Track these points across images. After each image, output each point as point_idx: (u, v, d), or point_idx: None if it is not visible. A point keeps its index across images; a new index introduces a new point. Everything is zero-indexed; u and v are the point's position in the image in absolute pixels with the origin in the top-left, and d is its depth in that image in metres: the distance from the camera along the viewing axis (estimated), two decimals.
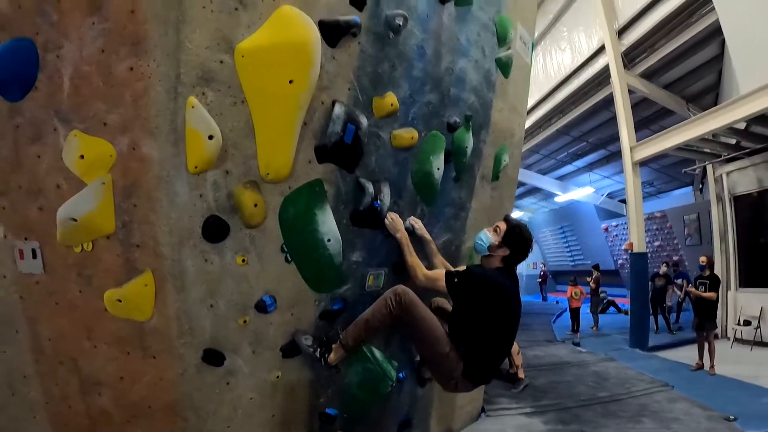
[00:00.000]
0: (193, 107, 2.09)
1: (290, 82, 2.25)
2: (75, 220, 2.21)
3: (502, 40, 3.81)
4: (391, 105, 2.82)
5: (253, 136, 2.27)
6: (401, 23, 2.72)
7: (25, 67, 2.30)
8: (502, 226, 2.98)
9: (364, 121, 2.65)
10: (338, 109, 2.52)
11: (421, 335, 2.84)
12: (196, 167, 2.15)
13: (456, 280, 2.82)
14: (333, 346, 2.77)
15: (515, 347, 6.95)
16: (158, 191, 2.14)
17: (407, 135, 2.97)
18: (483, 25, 3.59)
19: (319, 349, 2.73)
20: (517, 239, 2.96)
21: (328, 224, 2.61)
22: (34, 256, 2.43)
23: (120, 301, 2.26)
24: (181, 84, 2.08)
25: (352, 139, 2.56)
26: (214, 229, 2.26)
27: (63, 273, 2.38)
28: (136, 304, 2.26)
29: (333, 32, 2.44)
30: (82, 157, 2.20)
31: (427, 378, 3.55)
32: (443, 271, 2.93)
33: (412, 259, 2.97)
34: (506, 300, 2.89)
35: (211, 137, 2.12)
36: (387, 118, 2.85)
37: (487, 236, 2.97)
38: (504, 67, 3.86)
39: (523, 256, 3.01)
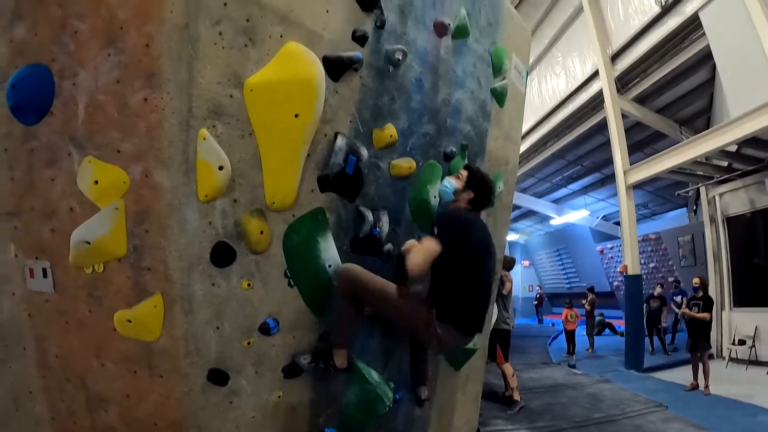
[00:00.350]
0: (204, 139, 2.20)
1: (296, 116, 2.39)
2: (88, 243, 2.29)
3: (497, 70, 3.97)
4: (390, 136, 2.96)
5: (259, 167, 2.39)
6: (401, 58, 2.88)
7: (41, 93, 2.39)
8: (464, 172, 3.12)
9: (364, 152, 2.78)
10: (340, 142, 2.65)
11: (377, 297, 2.85)
12: (206, 196, 2.25)
13: (435, 229, 2.88)
14: (333, 351, 2.85)
15: (510, 369, 7.02)
16: (170, 218, 2.23)
17: (405, 165, 3.11)
18: (479, 56, 3.75)
19: (321, 362, 2.82)
20: (480, 182, 3.10)
21: (329, 251, 2.72)
22: (45, 276, 2.50)
23: (130, 321, 2.34)
24: (193, 117, 2.19)
25: (353, 170, 2.69)
26: (222, 255, 2.36)
27: (73, 292, 2.46)
28: (145, 325, 2.33)
29: (336, 68, 2.59)
30: (96, 182, 2.29)
31: (424, 399, 3.63)
32: (429, 245, 2.86)
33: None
34: (482, 236, 3.03)
35: (221, 168, 2.24)
36: (386, 148, 3.00)
37: (451, 183, 3.09)
38: (499, 96, 4.01)
39: (487, 199, 3.15)
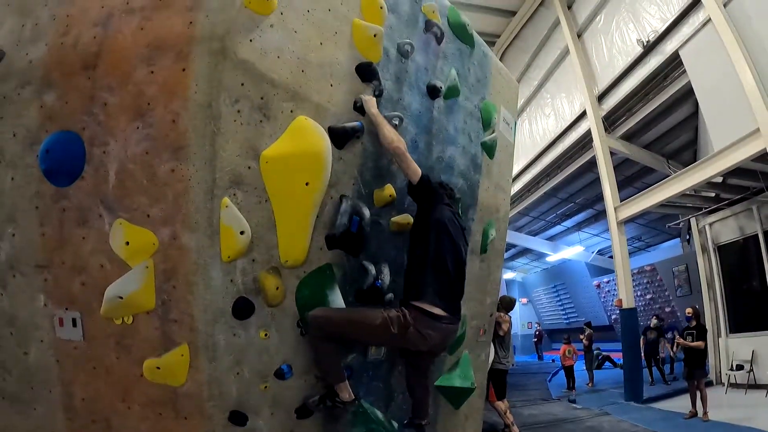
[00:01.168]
0: (226, 207, 2.46)
1: (306, 184, 2.68)
2: (121, 298, 2.47)
3: (487, 124, 4.29)
4: (390, 196, 3.27)
5: (275, 230, 2.66)
6: (398, 123, 3.22)
7: (73, 159, 2.60)
8: None
9: (366, 212, 3.07)
10: (345, 204, 2.95)
11: (357, 329, 2.93)
12: (229, 257, 2.49)
13: (425, 184, 3.14)
14: (335, 387, 2.97)
15: (502, 405, 7.14)
16: (195, 276, 2.44)
17: (403, 221, 3.41)
18: (469, 112, 4.08)
19: (328, 401, 2.97)
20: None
21: (337, 302, 2.96)
22: (74, 325, 2.67)
23: (158, 368, 2.52)
24: (216, 186, 2.43)
25: (357, 229, 2.98)
26: (242, 309, 2.58)
27: (102, 341, 2.62)
28: (172, 372, 2.51)
29: (341, 137, 2.91)
30: (127, 243, 2.48)
31: (424, 424, 3.75)
32: (419, 169, 3.13)
33: (390, 129, 3.11)
34: (448, 212, 3.21)
35: (242, 233, 2.49)
36: (386, 206, 3.30)
37: None
38: (489, 149, 4.33)
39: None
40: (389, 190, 3.29)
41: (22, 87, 2.79)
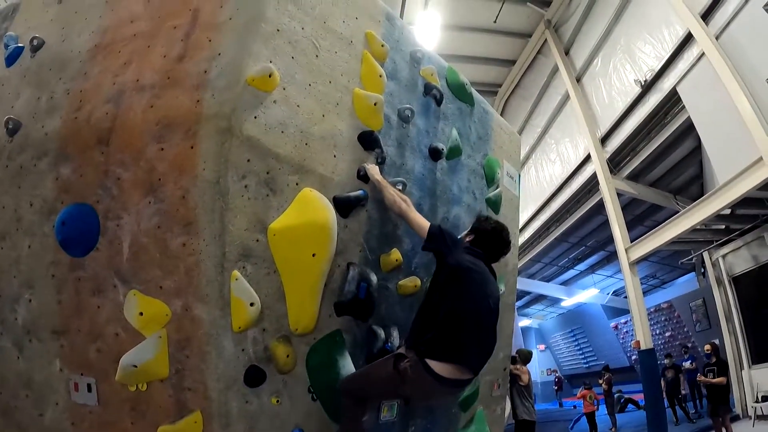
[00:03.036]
0: (236, 279, 2.51)
1: (313, 255, 2.74)
2: (135, 366, 2.51)
3: (491, 180, 4.37)
4: (396, 260, 3.32)
5: (284, 299, 2.70)
6: (401, 188, 3.29)
7: (87, 231, 2.70)
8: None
9: (374, 278, 3.11)
10: (352, 272, 3.00)
11: (378, 384, 2.91)
12: (239, 328, 2.53)
13: (435, 235, 3.04)
14: None
15: None
16: (208, 346, 2.48)
17: (411, 284, 3.45)
18: (472, 170, 4.16)
19: None
20: (477, 225, 3.31)
21: (347, 367, 2.97)
22: (89, 390, 2.71)
23: None
24: (226, 260, 2.49)
25: (365, 295, 3.01)
26: (254, 377, 2.60)
27: (117, 406, 2.65)
28: None
29: (345, 206, 2.99)
30: (141, 314, 2.54)
31: None
32: (426, 223, 3.08)
33: (394, 191, 3.15)
34: (466, 260, 3.00)
35: (252, 304, 2.54)
36: (393, 271, 3.34)
37: None
38: (494, 205, 4.39)
39: (486, 241, 3.20)
40: (395, 254, 3.34)
41: (39, 158, 2.93)
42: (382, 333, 3.21)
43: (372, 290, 3.08)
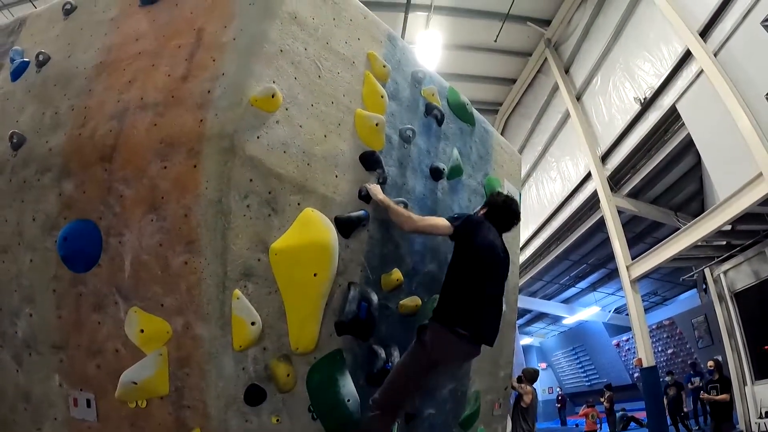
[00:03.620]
0: (238, 298, 2.51)
1: (315, 275, 2.74)
2: (135, 383, 2.51)
3: None
4: (397, 280, 3.32)
5: (285, 318, 2.70)
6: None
7: (89, 247, 2.71)
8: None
9: (374, 297, 3.11)
10: (353, 291, 3.00)
11: (404, 383, 3.06)
12: (240, 346, 2.52)
13: (459, 222, 3.25)
14: None
15: None
16: (208, 364, 2.48)
17: (412, 303, 3.44)
18: (473, 190, 4.18)
19: None
20: (491, 199, 3.65)
21: (347, 387, 2.96)
22: (89, 406, 2.70)
23: None
24: (227, 279, 2.50)
25: (365, 315, 3.01)
26: (254, 396, 2.59)
27: (116, 422, 2.64)
28: None
29: (347, 226, 3.00)
30: (142, 331, 2.55)
31: None
32: (440, 219, 3.34)
33: (399, 208, 3.24)
34: (488, 236, 3.30)
35: (253, 323, 2.53)
36: (394, 290, 3.34)
37: None
38: None
39: (500, 213, 3.51)
40: (396, 274, 3.34)
41: (42, 173, 2.94)
42: (382, 352, 3.20)
43: (373, 310, 3.08)
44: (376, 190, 3.20)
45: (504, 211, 3.53)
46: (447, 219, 3.31)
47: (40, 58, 3.32)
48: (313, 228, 2.80)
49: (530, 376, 7.61)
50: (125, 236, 2.67)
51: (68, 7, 3.49)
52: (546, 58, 14.91)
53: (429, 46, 13.81)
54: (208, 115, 2.65)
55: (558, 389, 27.80)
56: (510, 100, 17.37)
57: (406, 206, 3.37)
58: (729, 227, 10.32)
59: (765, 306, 11.19)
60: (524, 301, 20.52)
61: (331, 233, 2.85)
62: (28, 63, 3.39)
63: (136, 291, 2.62)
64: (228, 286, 2.52)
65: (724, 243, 11.76)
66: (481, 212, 3.58)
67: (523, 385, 7.28)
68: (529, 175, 16.43)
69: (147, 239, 2.62)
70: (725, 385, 8.33)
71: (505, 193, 4.63)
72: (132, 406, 2.60)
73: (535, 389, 7.68)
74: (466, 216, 3.42)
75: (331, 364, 2.93)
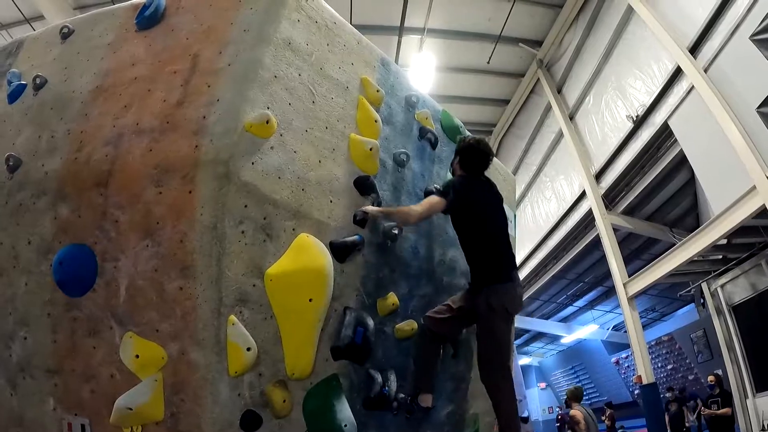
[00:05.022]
0: (233, 324, 2.50)
1: (310, 300, 2.74)
2: (131, 409, 2.48)
3: None
4: (393, 304, 3.33)
5: (280, 344, 2.69)
6: (397, 233, 3.31)
7: (85, 272, 2.70)
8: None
9: (370, 322, 3.11)
10: (349, 317, 3.00)
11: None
12: (236, 372, 2.50)
13: (448, 194, 3.48)
14: (420, 393, 3.40)
15: None
16: (203, 390, 2.46)
17: (408, 327, 3.45)
18: None
19: (410, 401, 3.33)
20: (459, 148, 3.74)
21: (344, 411, 2.93)
22: (83, 431, 2.69)
23: None
24: (223, 305, 2.49)
25: (361, 340, 3.01)
26: (250, 421, 2.57)
27: None
28: None
29: (342, 252, 3.00)
30: (137, 356, 2.53)
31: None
32: (432, 197, 3.51)
33: (398, 208, 3.42)
34: (481, 190, 3.61)
35: (248, 349, 2.52)
36: (390, 314, 3.34)
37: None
38: None
39: (472, 157, 3.67)
40: (392, 298, 3.36)
41: (38, 197, 2.95)
42: (379, 377, 3.19)
43: (369, 334, 3.08)
44: (369, 209, 3.24)
45: (476, 153, 3.66)
46: (437, 194, 3.55)
47: (37, 81, 3.35)
48: (308, 253, 2.80)
49: (574, 395, 7.37)
50: (120, 261, 2.67)
51: (65, 30, 3.53)
52: (538, 79, 14.98)
53: (423, 68, 13.92)
54: (203, 141, 2.67)
55: (558, 409, 27.58)
56: (504, 121, 17.45)
57: (401, 231, 3.39)
58: (725, 241, 10.32)
59: (763, 318, 11.15)
60: (522, 321, 20.43)
61: (326, 258, 2.85)
62: (25, 86, 3.41)
63: (131, 316, 2.61)
64: (223, 312, 2.51)
65: (721, 257, 11.77)
66: (456, 164, 3.73)
67: (573, 408, 7.00)
68: (524, 195, 16.44)
69: (142, 264, 2.62)
70: (726, 399, 8.28)
71: None
72: (127, 431, 2.58)
73: (586, 410, 7.34)
74: (450, 185, 3.64)
75: (328, 390, 2.91)
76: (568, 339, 23.43)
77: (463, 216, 3.51)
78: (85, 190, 2.82)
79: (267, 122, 2.73)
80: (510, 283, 3.47)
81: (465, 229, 3.54)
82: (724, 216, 8.65)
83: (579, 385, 25.06)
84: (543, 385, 29.15)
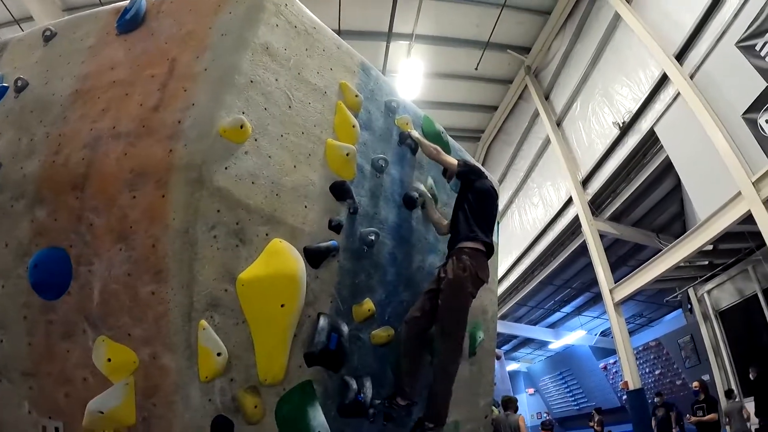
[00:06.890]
0: (204, 329, 2.49)
1: (282, 305, 2.72)
2: (102, 413, 2.46)
3: None
4: (369, 310, 3.31)
5: (252, 349, 2.67)
6: (374, 238, 3.29)
7: (60, 275, 2.69)
8: None
9: (345, 328, 3.09)
10: (323, 322, 2.97)
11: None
12: (206, 377, 2.49)
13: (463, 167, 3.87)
14: (399, 392, 3.38)
15: None
16: (175, 395, 2.44)
17: (384, 334, 3.43)
18: (448, 218, 4.17)
19: (387, 401, 3.32)
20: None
21: (318, 419, 2.91)
22: None
23: None
24: (194, 310, 2.48)
25: (335, 346, 2.98)
26: (221, 427, 2.54)
27: None
28: None
29: (316, 257, 2.98)
30: (109, 360, 2.52)
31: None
32: (454, 161, 3.92)
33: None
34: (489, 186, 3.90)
35: (219, 354, 2.50)
36: (366, 321, 3.32)
37: None
38: None
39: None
40: (368, 304, 3.33)
41: (16, 199, 2.93)
42: (354, 384, 3.16)
43: (343, 341, 3.06)
44: (413, 133, 3.92)
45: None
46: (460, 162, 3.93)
47: (19, 83, 3.32)
48: (280, 259, 2.79)
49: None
50: (95, 265, 2.66)
51: (48, 33, 3.52)
52: (526, 85, 15.08)
53: (411, 74, 13.99)
54: (177, 146, 2.66)
55: (546, 414, 27.57)
56: (492, 127, 17.52)
57: (378, 236, 3.37)
58: (711, 247, 10.41)
59: (750, 324, 11.24)
60: (510, 327, 20.45)
61: (298, 264, 2.84)
62: (7, 88, 3.39)
63: (105, 320, 2.60)
64: (194, 317, 2.50)
65: (707, 263, 11.86)
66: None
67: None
68: (511, 201, 16.53)
69: (116, 268, 2.61)
70: (711, 405, 8.31)
71: None
72: None
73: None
74: (470, 163, 4.06)
75: (301, 396, 2.89)
76: (556, 345, 23.46)
77: (469, 188, 3.75)
78: (62, 193, 2.81)
79: (241, 127, 2.72)
80: (482, 253, 3.58)
81: (466, 194, 3.76)
82: (710, 222, 8.71)
83: (569, 389, 25.29)
84: (531, 390, 29.12)
